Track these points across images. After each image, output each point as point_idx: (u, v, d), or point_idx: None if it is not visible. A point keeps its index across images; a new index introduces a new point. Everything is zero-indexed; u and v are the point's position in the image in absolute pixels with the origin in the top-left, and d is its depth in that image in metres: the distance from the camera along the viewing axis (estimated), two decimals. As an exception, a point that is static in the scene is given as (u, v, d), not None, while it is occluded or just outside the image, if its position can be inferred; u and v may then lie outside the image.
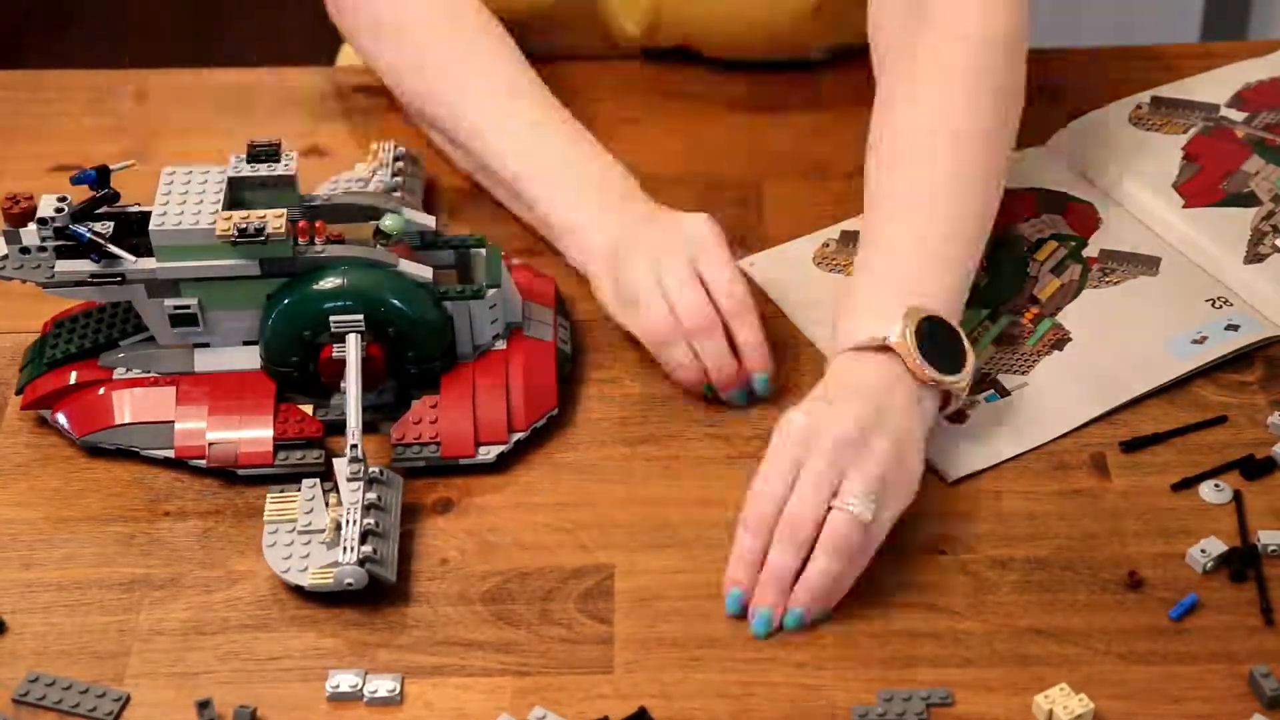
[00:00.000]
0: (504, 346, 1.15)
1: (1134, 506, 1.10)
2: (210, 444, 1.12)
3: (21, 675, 1.02)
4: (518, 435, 1.13)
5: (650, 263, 1.17)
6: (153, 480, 1.13)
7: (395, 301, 1.11)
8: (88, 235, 1.10)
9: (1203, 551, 1.06)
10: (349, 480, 1.07)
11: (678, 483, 1.12)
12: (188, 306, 1.13)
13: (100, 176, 1.13)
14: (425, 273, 1.12)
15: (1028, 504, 1.11)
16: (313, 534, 1.06)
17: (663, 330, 1.16)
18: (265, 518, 1.07)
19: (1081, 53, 1.46)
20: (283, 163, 1.13)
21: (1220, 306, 1.21)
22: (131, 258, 1.11)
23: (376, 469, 1.08)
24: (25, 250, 1.13)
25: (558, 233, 1.25)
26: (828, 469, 1.04)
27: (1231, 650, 1.02)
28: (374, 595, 1.05)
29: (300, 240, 1.12)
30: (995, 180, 1.19)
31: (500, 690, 1.01)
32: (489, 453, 1.12)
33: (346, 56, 1.60)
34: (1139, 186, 1.30)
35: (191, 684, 1.02)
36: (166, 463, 1.13)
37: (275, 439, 1.12)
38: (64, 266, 1.12)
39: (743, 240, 1.27)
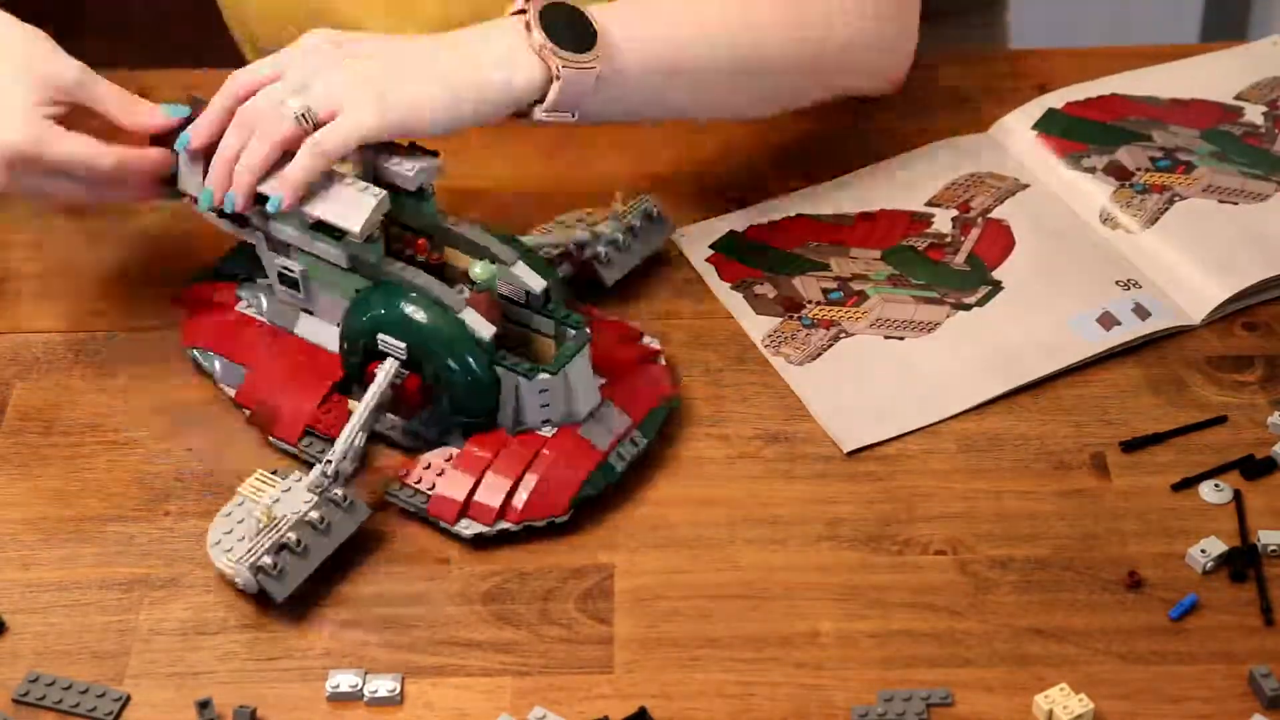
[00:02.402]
0: (549, 434, 1.10)
1: (1134, 506, 1.10)
2: (259, 403, 1.14)
3: (21, 675, 1.02)
4: (504, 525, 1.08)
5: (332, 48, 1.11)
6: (153, 480, 1.13)
7: (441, 346, 1.08)
8: None
9: (1203, 551, 1.06)
10: (308, 489, 1.06)
11: (678, 483, 1.12)
12: (292, 270, 1.14)
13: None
14: (485, 330, 1.08)
15: (1028, 504, 1.11)
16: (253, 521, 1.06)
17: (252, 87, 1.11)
18: (239, 488, 1.07)
19: (1080, 53, 1.46)
20: (413, 174, 1.11)
21: (1129, 288, 1.22)
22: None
23: (341, 494, 1.06)
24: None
25: None
26: (302, 77, 1.10)
27: (1231, 650, 1.02)
28: (267, 601, 1.04)
29: (406, 251, 1.12)
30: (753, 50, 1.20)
31: (500, 690, 1.01)
32: (468, 528, 1.08)
33: None
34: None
35: (191, 684, 1.02)
36: (166, 463, 1.13)
37: (307, 425, 1.12)
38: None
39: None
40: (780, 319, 1.22)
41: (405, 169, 1.11)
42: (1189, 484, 1.11)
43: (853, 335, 1.20)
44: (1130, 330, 1.19)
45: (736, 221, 1.30)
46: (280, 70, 1.11)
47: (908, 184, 1.32)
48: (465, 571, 1.07)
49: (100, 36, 2.93)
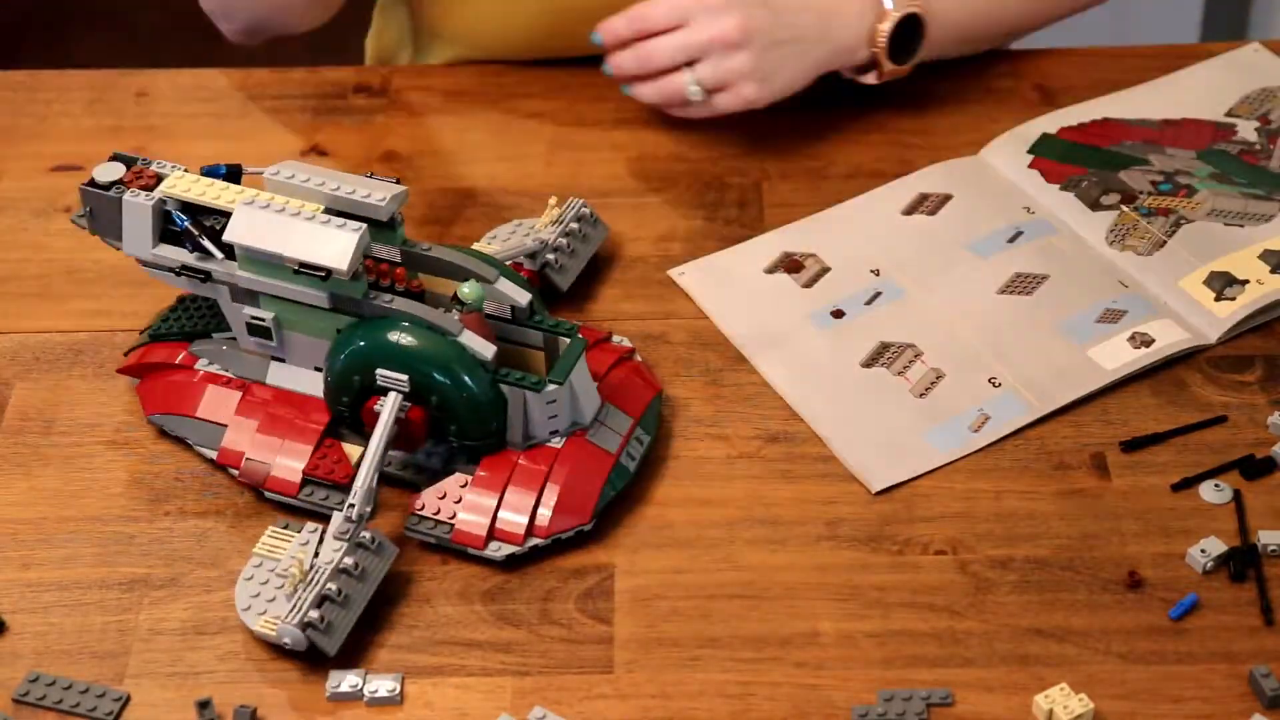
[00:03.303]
0: (559, 445, 1.09)
1: (1134, 506, 1.10)
2: (247, 460, 1.11)
3: (21, 675, 1.02)
4: (535, 541, 1.08)
5: None
6: (153, 480, 1.13)
7: (443, 372, 1.06)
8: (186, 224, 1.10)
9: (1203, 551, 1.06)
10: (335, 538, 1.04)
11: (678, 483, 1.12)
12: (263, 319, 1.12)
13: (230, 175, 1.12)
14: (486, 350, 1.06)
15: (1028, 504, 1.11)
16: (285, 579, 1.03)
17: None
18: (255, 549, 1.05)
19: (1080, 53, 1.46)
20: (384, 204, 1.07)
21: (1153, 313, 1.22)
22: (220, 256, 1.10)
23: (369, 535, 1.05)
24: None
25: None
26: (692, 43, 1.29)
27: (1231, 650, 1.02)
28: (317, 658, 1.02)
29: (382, 282, 1.10)
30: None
31: (500, 690, 1.01)
32: (499, 550, 1.07)
33: (372, 54, 1.60)
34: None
35: (191, 684, 1.02)
36: (166, 463, 1.13)
37: (305, 473, 1.10)
38: (162, 250, 1.12)
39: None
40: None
41: (376, 200, 1.07)
42: (1189, 484, 1.11)
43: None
44: (1149, 353, 1.19)
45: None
46: (684, 19, 1.28)
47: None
48: (465, 571, 1.07)
49: (100, 36, 2.94)
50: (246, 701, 1.00)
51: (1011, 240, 1.27)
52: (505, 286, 1.09)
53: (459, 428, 1.08)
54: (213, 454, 1.12)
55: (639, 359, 1.18)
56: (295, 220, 1.07)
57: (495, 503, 1.07)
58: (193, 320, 1.18)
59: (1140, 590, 1.05)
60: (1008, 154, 1.34)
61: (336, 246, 1.06)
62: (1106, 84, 1.40)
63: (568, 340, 1.09)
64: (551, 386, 1.07)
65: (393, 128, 1.40)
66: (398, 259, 1.10)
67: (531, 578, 1.07)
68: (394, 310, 1.07)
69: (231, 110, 1.42)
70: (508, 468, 1.08)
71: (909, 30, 1.34)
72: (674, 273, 1.27)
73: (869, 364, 1.19)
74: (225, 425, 1.12)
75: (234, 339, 1.15)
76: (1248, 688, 1.00)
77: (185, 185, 1.11)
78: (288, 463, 1.10)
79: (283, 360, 1.14)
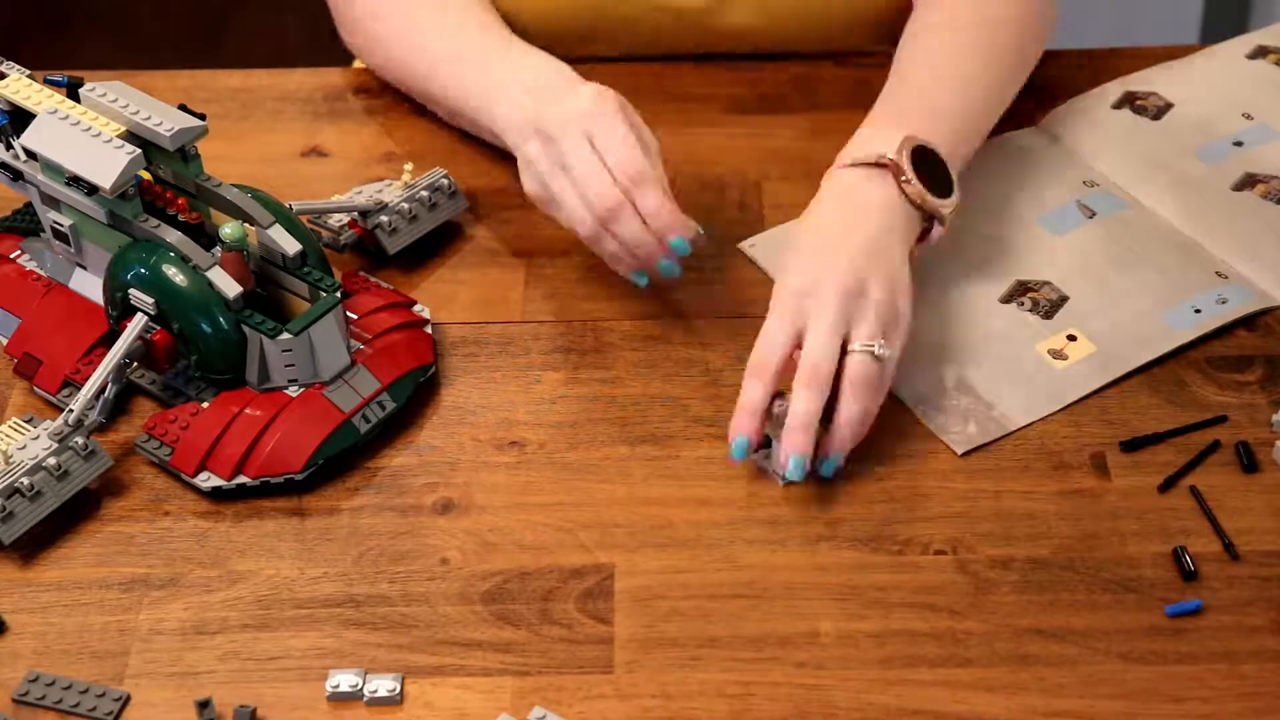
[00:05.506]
0: (295, 394, 1.13)
1: (1134, 506, 1.10)
2: (25, 354, 1.16)
3: (21, 675, 1.02)
4: (243, 479, 1.11)
5: (552, 149, 1.18)
6: (153, 480, 1.13)
7: (185, 302, 1.10)
8: (5, 119, 1.14)
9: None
10: (49, 436, 1.09)
11: (678, 483, 1.13)
12: (62, 225, 1.16)
13: (71, 87, 1.15)
14: (231, 289, 1.10)
15: (1028, 504, 1.11)
16: None
17: (587, 227, 1.18)
18: None
19: (1080, 54, 1.46)
20: (171, 135, 1.12)
21: (1220, 277, 1.23)
22: (23, 156, 1.14)
23: (82, 441, 1.09)
24: None
25: (485, 124, 1.27)
26: (837, 318, 1.11)
27: (1231, 650, 1.02)
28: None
29: (169, 210, 1.14)
30: (1009, 70, 1.30)
31: (500, 690, 1.01)
32: (207, 480, 1.11)
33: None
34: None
35: (191, 684, 1.02)
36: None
37: (66, 376, 1.14)
38: None
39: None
40: None
41: (164, 129, 1.11)
42: (1173, 482, 1.11)
43: None
44: (1216, 317, 1.21)
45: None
46: (798, 327, 1.12)
47: None
48: (465, 571, 1.07)
49: (100, 37, 2.93)
50: (246, 701, 1.00)
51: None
52: (277, 234, 1.13)
53: (199, 359, 1.12)
54: (4, 341, 1.18)
55: (429, 330, 1.20)
56: (84, 135, 1.11)
57: (216, 435, 1.11)
58: (34, 218, 1.23)
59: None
60: (1092, 110, 1.38)
61: (107, 165, 1.09)
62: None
63: (322, 294, 1.12)
64: (285, 335, 1.11)
65: (393, 129, 1.40)
66: (191, 190, 1.14)
67: (532, 578, 1.07)
68: (155, 236, 1.11)
69: (231, 111, 1.42)
70: (238, 405, 1.12)
71: (930, 168, 1.19)
72: (744, 245, 1.28)
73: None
74: (21, 318, 1.18)
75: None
76: (1248, 688, 1.00)
77: (16, 88, 1.15)
78: (55, 363, 1.15)
79: (84, 268, 1.19)
